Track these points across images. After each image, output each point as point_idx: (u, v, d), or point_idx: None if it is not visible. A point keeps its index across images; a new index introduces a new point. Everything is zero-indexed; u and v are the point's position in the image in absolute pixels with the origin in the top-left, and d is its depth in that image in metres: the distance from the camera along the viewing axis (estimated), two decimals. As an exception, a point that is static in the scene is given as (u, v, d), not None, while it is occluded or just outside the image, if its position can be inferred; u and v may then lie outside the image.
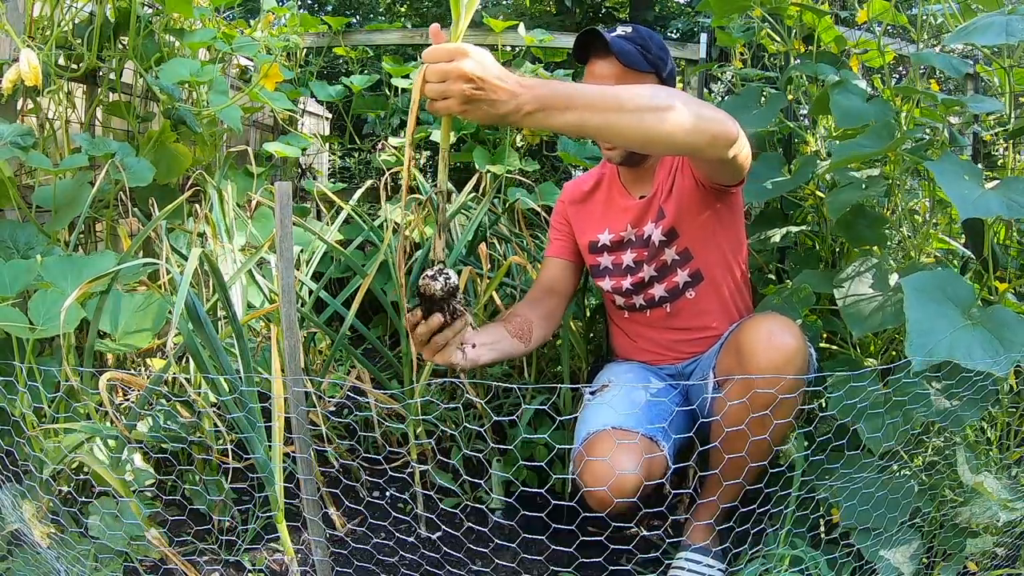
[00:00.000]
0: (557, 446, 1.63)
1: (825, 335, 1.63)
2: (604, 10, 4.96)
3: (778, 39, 1.82)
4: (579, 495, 1.30)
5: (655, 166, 1.57)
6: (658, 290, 1.57)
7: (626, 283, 1.60)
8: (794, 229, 1.81)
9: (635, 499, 1.32)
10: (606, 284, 1.64)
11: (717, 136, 1.18)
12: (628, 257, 1.59)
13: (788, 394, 1.25)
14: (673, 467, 1.43)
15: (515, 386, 1.65)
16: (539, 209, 2.28)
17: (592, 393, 1.56)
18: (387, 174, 2.15)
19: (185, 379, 1.51)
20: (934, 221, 1.59)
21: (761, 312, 1.53)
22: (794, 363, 1.28)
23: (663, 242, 1.54)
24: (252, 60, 2.26)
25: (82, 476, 1.31)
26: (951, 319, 1.16)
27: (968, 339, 1.13)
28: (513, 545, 1.49)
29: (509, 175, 2.39)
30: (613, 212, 1.62)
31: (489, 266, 2.01)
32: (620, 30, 1.50)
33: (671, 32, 5.84)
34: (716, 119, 1.18)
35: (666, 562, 1.45)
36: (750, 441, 1.27)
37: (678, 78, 2.68)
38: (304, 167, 3.06)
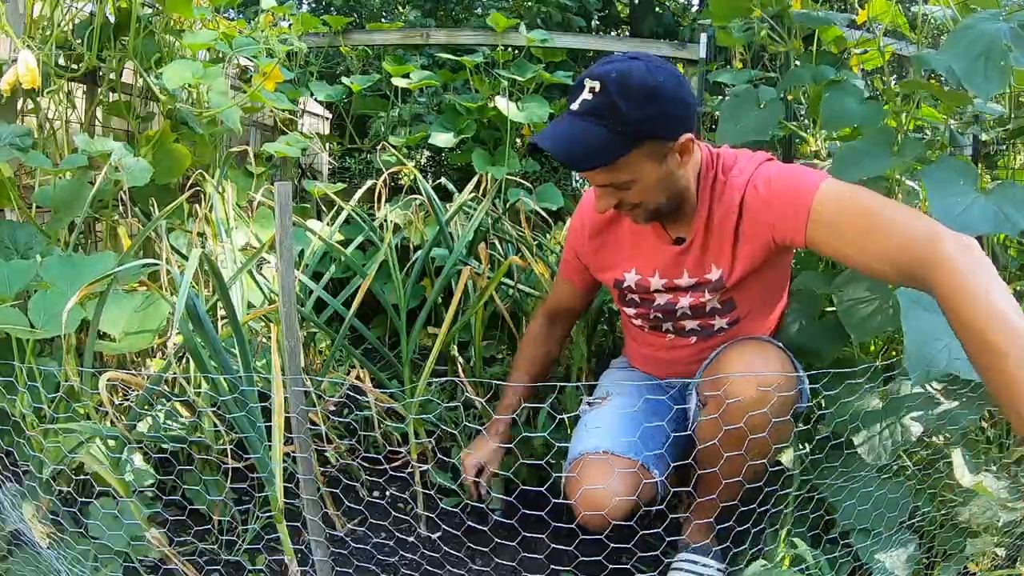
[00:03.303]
0: (557, 444, 1.63)
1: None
2: (606, 13, 4.89)
3: (778, 39, 1.82)
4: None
5: (696, 203, 1.33)
6: (690, 324, 1.45)
7: (655, 313, 1.46)
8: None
9: (627, 522, 1.33)
10: (630, 311, 1.50)
11: None
12: (662, 298, 1.43)
13: (774, 418, 1.20)
14: (672, 490, 1.42)
15: (515, 385, 1.65)
16: (539, 210, 2.28)
17: (589, 404, 1.55)
18: (387, 173, 2.15)
19: (185, 379, 1.51)
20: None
21: (742, 340, 1.37)
22: (772, 395, 1.21)
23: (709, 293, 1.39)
24: (252, 60, 2.26)
25: (82, 476, 1.31)
26: (948, 326, 1.15)
27: None
28: (513, 544, 1.49)
29: (509, 175, 2.39)
30: (643, 252, 1.41)
31: (489, 266, 2.01)
32: (587, 89, 1.16)
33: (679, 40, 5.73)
34: None
35: (666, 561, 1.45)
36: (748, 446, 1.25)
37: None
38: (304, 167, 3.06)
